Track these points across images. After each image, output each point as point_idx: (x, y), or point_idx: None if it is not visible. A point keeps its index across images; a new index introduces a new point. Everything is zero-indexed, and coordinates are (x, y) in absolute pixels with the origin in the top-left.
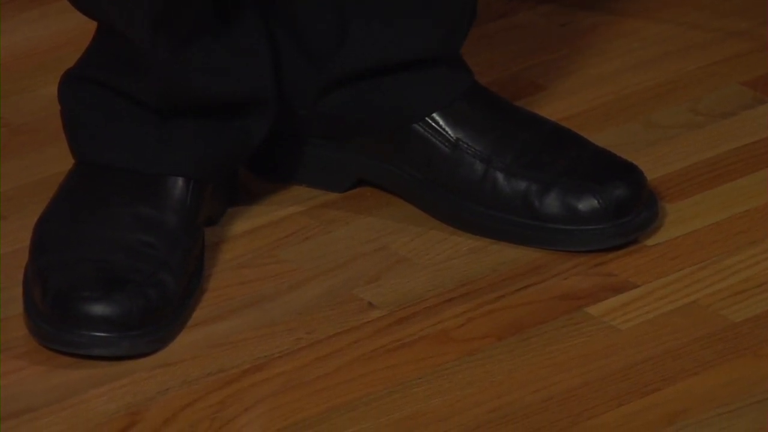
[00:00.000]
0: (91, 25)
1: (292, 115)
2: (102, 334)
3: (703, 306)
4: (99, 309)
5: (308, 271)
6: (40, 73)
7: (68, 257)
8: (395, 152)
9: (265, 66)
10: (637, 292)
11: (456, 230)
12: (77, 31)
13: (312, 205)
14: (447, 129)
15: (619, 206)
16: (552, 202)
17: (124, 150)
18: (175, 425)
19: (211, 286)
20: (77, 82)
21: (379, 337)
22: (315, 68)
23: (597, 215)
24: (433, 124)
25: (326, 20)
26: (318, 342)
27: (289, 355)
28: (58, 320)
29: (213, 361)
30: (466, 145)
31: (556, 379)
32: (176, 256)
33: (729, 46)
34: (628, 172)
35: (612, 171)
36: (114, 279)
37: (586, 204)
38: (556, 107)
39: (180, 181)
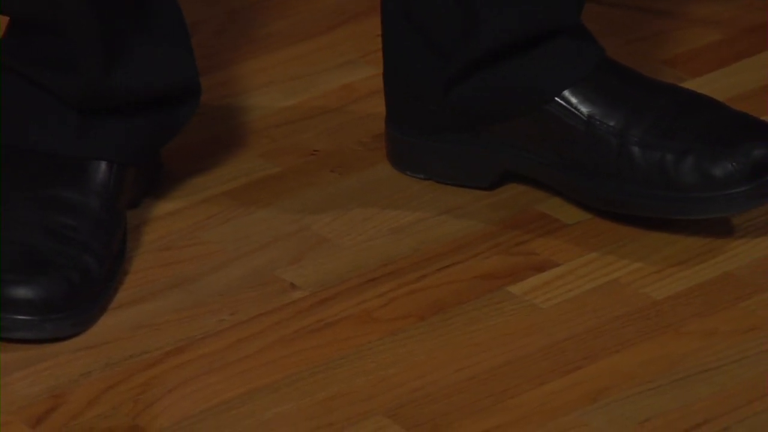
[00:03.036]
0: None
1: (424, 111)
2: (25, 317)
3: (624, 284)
4: (22, 292)
5: (230, 252)
6: None
7: None
8: (530, 138)
9: (188, 51)
10: (558, 271)
11: (377, 210)
12: None
13: (233, 186)
14: (579, 106)
15: (756, 167)
16: (687, 171)
17: (47, 134)
18: (98, 407)
19: (134, 268)
20: None
21: (301, 318)
22: (442, 61)
23: (733, 179)
24: (564, 103)
25: (449, 10)
26: (240, 323)
27: (212, 337)
28: None
29: (136, 343)
30: (598, 122)
31: (479, 359)
32: (99, 239)
33: (649, 25)
34: (764, 131)
35: (746, 132)
36: (37, 262)
37: (721, 169)
38: None
39: (103, 165)
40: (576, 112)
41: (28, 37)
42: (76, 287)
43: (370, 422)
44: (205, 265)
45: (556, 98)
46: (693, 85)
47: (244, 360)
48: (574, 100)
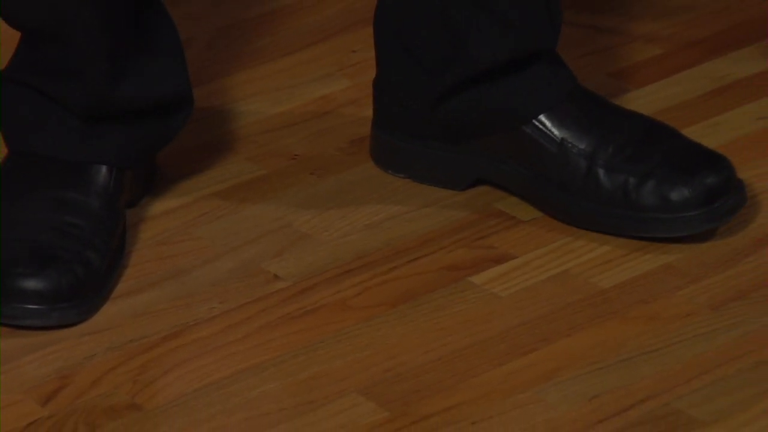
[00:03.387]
0: None
1: (412, 120)
2: (34, 306)
3: (574, 274)
4: (31, 284)
5: (220, 247)
6: None
7: (3, 237)
8: (507, 153)
9: (182, 64)
10: (516, 263)
11: (353, 209)
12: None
13: (223, 187)
14: (553, 129)
15: (708, 194)
16: (648, 194)
17: (52, 140)
18: (101, 387)
19: (132, 262)
20: (8, 83)
21: (284, 306)
22: (430, 79)
23: (689, 203)
24: (540, 125)
25: (437, 35)
26: (229, 311)
27: (204, 323)
28: None
29: (135, 329)
30: (570, 144)
31: (444, 342)
32: (100, 235)
33: (596, 41)
34: (717, 162)
35: (701, 161)
36: (45, 257)
37: (678, 194)
38: None
39: (103, 169)
40: (550, 134)
41: (38, 49)
42: (81, 279)
43: (347, 399)
44: (197, 259)
45: (533, 120)
46: (636, 95)
47: (233, 344)
48: (548, 123)
